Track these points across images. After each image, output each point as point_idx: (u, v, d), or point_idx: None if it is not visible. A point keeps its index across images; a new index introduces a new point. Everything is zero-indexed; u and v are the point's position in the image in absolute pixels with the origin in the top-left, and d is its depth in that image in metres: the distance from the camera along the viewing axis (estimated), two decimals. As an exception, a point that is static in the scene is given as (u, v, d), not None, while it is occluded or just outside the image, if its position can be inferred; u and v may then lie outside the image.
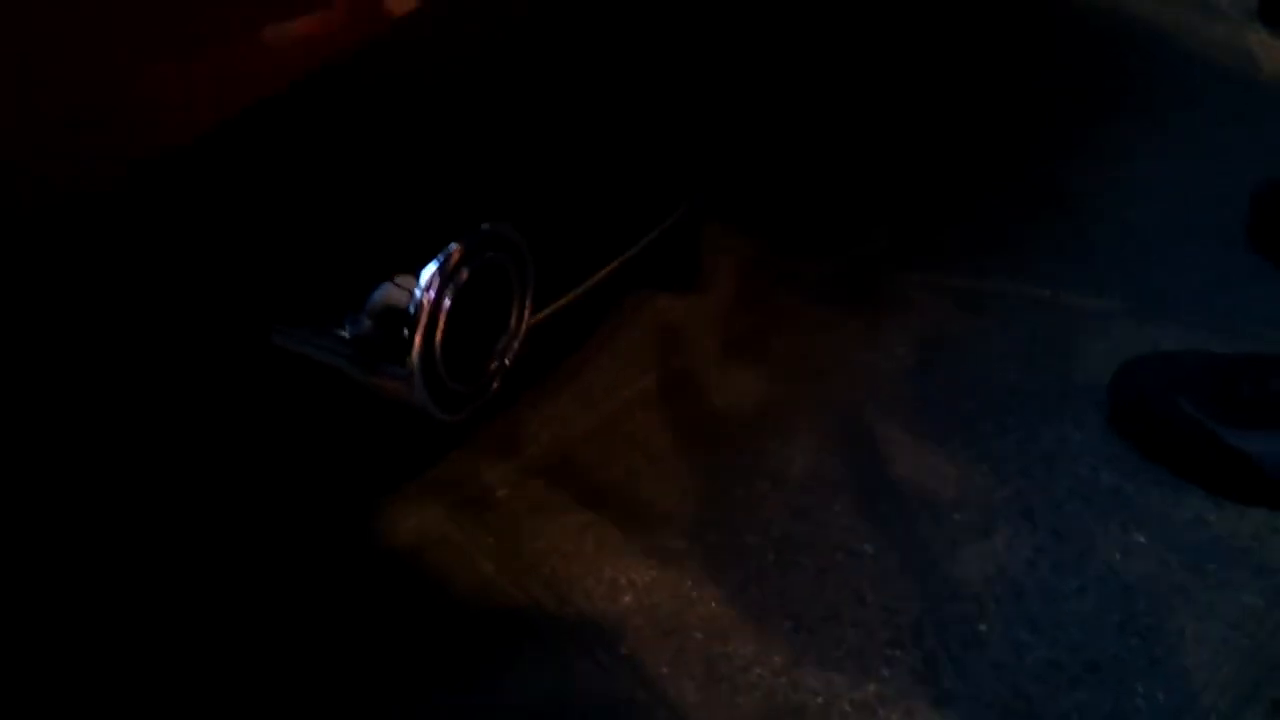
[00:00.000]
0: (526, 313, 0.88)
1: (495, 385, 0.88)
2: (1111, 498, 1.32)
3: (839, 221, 1.68)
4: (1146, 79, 1.96)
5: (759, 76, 1.19)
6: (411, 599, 1.22)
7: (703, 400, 1.42)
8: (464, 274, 0.83)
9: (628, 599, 1.22)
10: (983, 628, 1.19)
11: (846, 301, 1.56)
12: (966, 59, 1.98)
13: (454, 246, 0.82)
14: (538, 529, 1.29)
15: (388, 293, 0.82)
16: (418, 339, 0.81)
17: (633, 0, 0.96)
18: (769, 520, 1.29)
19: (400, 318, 0.82)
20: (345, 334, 0.84)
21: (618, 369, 1.45)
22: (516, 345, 0.88)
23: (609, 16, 0.94)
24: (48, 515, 0.82)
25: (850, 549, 1.26)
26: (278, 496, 1.13)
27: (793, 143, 1.55)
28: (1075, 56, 2.02)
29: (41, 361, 0.73)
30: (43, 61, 0.66)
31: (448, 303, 0.82)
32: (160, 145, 0.71)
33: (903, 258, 1.61)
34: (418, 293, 0.82)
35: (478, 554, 1.26)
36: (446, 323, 0.82)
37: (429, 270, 0.82)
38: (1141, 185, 1.73)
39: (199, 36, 0.70)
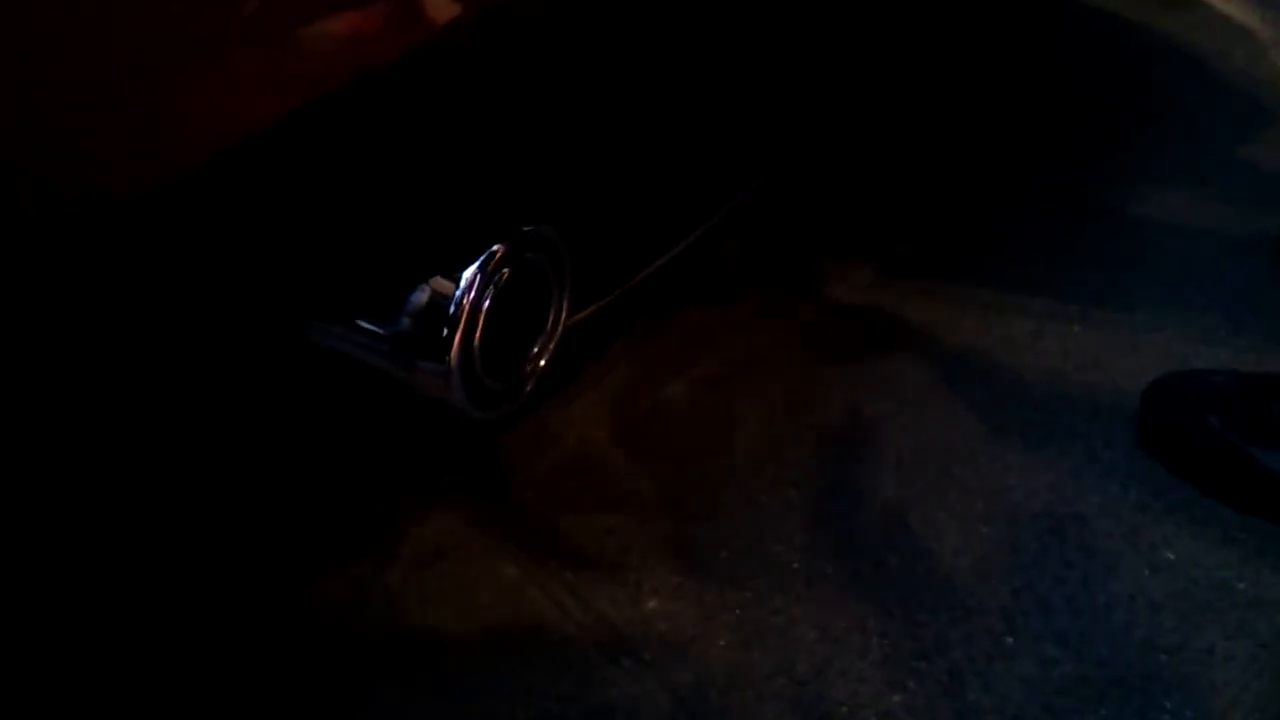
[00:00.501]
0: (564, 313, 0.88)
1: (531, 385, 0.88)
2: (1140, 514, 1.31)
3: (865, 233, 1.67)
4: (1176, 94, 1.95)
5: (789, 86, 1.19)
6: (434, 600, 1.22)
7: (729, 408, 1.42)
8: (504, 274, 0.83)
9: (652, 604, 1.22)
10: (1009, 641, 1.19)
11: (872, 313, 1.55)
12: (994, 73, 1.97)
13: (496, 247, 0.82)
14: (562, 533, 1.29)
15: (428, 291, 0.82)
16: (457, 337, 0.81)
17: (672, 9, 0.96)
18: (795, 529, 1.28)
19: (440, 316, 0.82)
20: (384, 331, 0.84)
21: (644, 375, 1.45)
22: (553, 346, 0.88)
23: (649, 25, 0.94)
24: (88, 507, 0.82)
25: (876, 559, 1.26)
26: (303, 490, 1.14)
27: (822, 152, 1.55)
28: (1104, 70, 2.02)
29: (84, 350, 0.73)
30: (98, 62, 0.66)
31: (487, 303, 0.82)
32: (208, 146, 0.72)
33: (930, 270, 1.61)
34: (458, 292, 0.82)
35: (501, 557, 1.26)
36: (486, 322, 0.82)
37: (470, 270, 0.82)
38: (1172, 201, 1.73)
39: (249, 38, 0.71)
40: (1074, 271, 1.60)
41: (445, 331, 0.81)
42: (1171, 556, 1.26)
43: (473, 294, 0.81)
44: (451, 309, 0.82)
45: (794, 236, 1.65)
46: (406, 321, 0.83)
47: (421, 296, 0.82)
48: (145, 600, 1.15)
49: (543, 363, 0.89)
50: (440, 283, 0.82)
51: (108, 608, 1.07)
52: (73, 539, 0.83)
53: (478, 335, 0.82)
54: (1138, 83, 1.99)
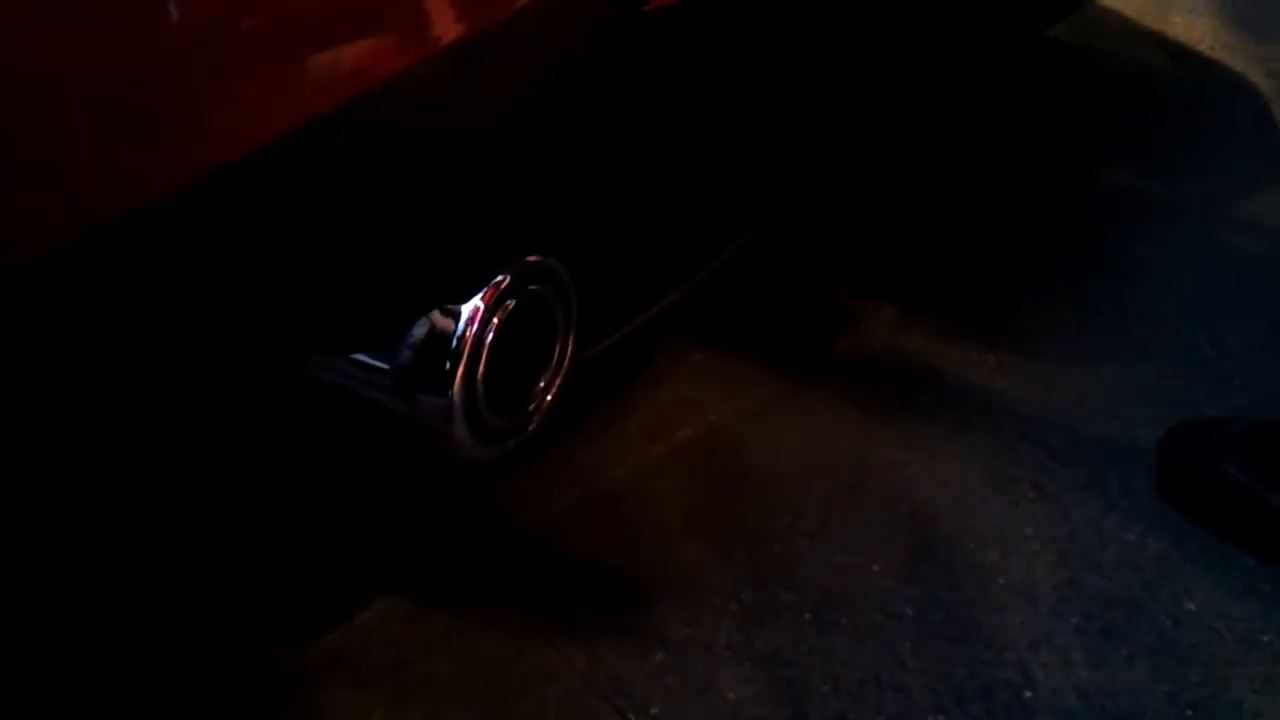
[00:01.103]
0: (570, 348, 0.86)
1: (536, 422, 0.86)
2: (1160, 565, 1.27)
3: (884, 276, 1.66)
4: (1189, 142, 1.94)
5: (808, 125, 1.18)
6: (435, 649, 1.19)
7: (739, 455, 1.39)
8: (508, 306, 0.81)
9: (659, 656, 1.19)
10: (1028, 695, 1.15)
11: (889, 357, 1.53)
12: (1010, 119, 1.97)
13: (499, 278, 0.81)
14: (567, 580, 1.26)
15: (430, 324, 0.81)
16: (459, 371, 0.79)
17: (687, 46, 0.96)
18: (806, 579, 1.25)
19: (442, 349, 0.80)
20: (385, 365, 0.82)
21: (653, 421, 1.43)
22: (559, 381, 0.86)
23: (666, 60, 0.94)
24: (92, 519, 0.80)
25: (890, 610, 1.23)
26: (302, 531, 1.11)
27: (838, 194, 1.54)
28: (1116, 118, 2.01)
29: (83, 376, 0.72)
30: (101, 76, 0.65)
31: (491, 336, 0.81)
32: (203, 166, 0.70)
33: (948, 314, 1.59)
34: (460, 325, 0.80)
35: (505, 604, 1.23)
36: (489, 356, 0.80)
37: (473, 302, 0.80)
38: (1187, 249, 1.71)
39: (249, 57, 0.70)
40: (1088, 318, 1.59)
41: (447, 365, 0.79)
42: (1193, 607, 1.23)
43: (475, 326, 0.80)
44: (454, 342, 0.80)
45: (811, 278, 1.63)
46: (407, 354, 0.81)
47: (423, 329, 0.80)
48: (141, 638, 1.12)
49: (549, 399, 0.87)
50: (442, 315, 0.80)
51: (97, 642, 1.04)
52: (71, 561, 0.81)
53: (481, 369, 0.80)
54: (1147, 130, 1.98)
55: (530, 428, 0.87)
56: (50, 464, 0.74)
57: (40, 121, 0.64)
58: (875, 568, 1.27)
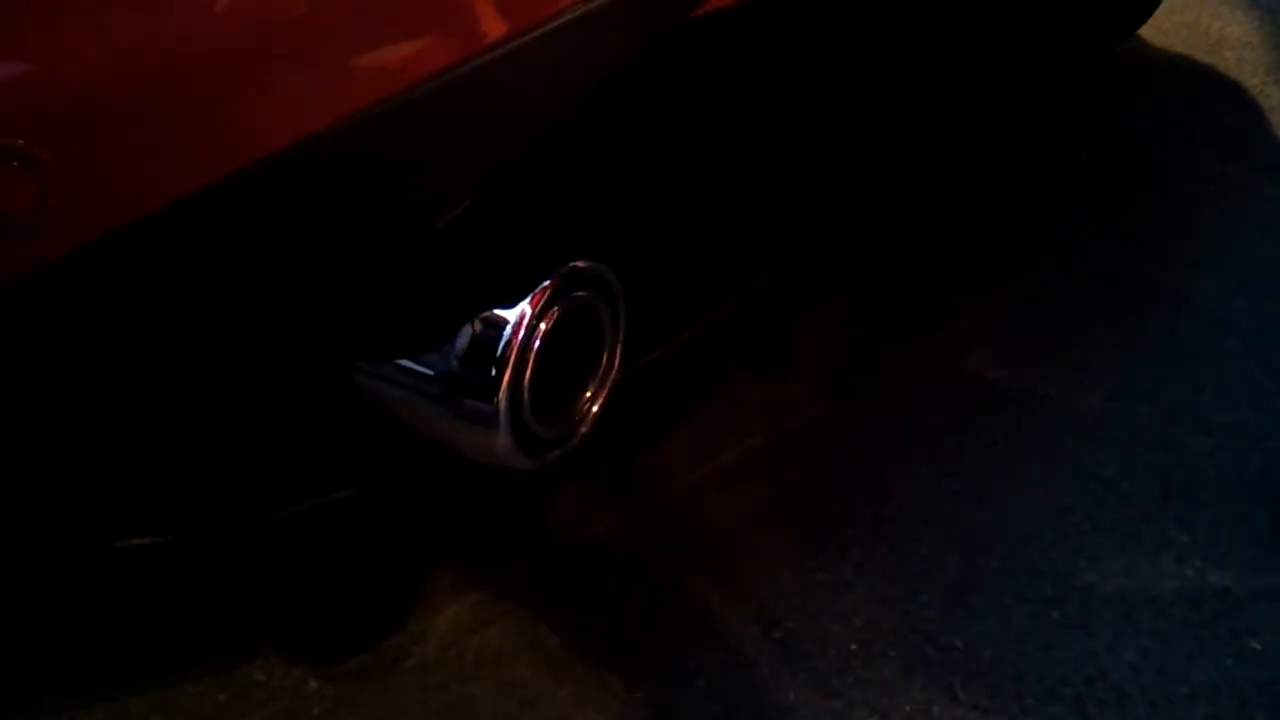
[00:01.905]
0: (618, 357, 0.83)
1: (582, 432, 0.84)
2: (1220, 601, 1.23)
3: (932, 302, 1.62)
4: (1251, 168, 1.91)
5: (864, 131, 1.16)
6: (470, 675, 1.16)
7: (781, 481, 1.36)
8: (555, 313, 0.79)
9: (700, 684, 1.15)
10: (1084, 733, 1.11)
11: (929, 385, 1.50)
12: (1048, 152, 1.94)
13: (546, 283, 0.79)
14: (606, 604, 1.23)
15: (475, 330, 0.78)
16: (505, 378, 0.77)
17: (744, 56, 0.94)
18: (853, 608, 1.21)
19: (487, 356, 0.78)
20: (429, 372, 0.80)
21: (694, 445, 1.40)
22: (606, 391, 0.83)
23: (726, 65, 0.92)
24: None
25: (939, 642, 1.18)
26: (339, 554, 1.09)
27: (888, 214, 1.51)
28: (1154, 153, 1.98)
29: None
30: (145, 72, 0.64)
31: (538, 343, 0.78)
32: (248, 162, 0.69)
33: (994, 345, 1.55)
34: (507, 331, 0.78)
35: (543, 628, 1.20)
36: (535, 363, 0.78)
37: (519, 308, 0.78)
38: (1244, 279, 1.67)
39: (291, 51, 0.68)
40: (1142, 349, 1.55)
41: (493, 372, 0.77)
42: (1258, 646, 1.18)
43: (522, 333, 0.77)
44: (499, 348, 0.77)
45: (854, 303, 1.60)
46: (452, 361, 0.78)
47: (468, 334, 0.78)
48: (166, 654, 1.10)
49: (594, 410, 0.85)
50: (488, 320, 0.78)
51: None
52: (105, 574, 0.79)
53: (527, 377, 0.78)
54: (1200, 162, 1.94)
55: (575, 439, 0.84)
56: (83, 459, 0.72)
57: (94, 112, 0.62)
58: (924, 598, 1.23)
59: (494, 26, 0.72)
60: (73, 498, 0.76)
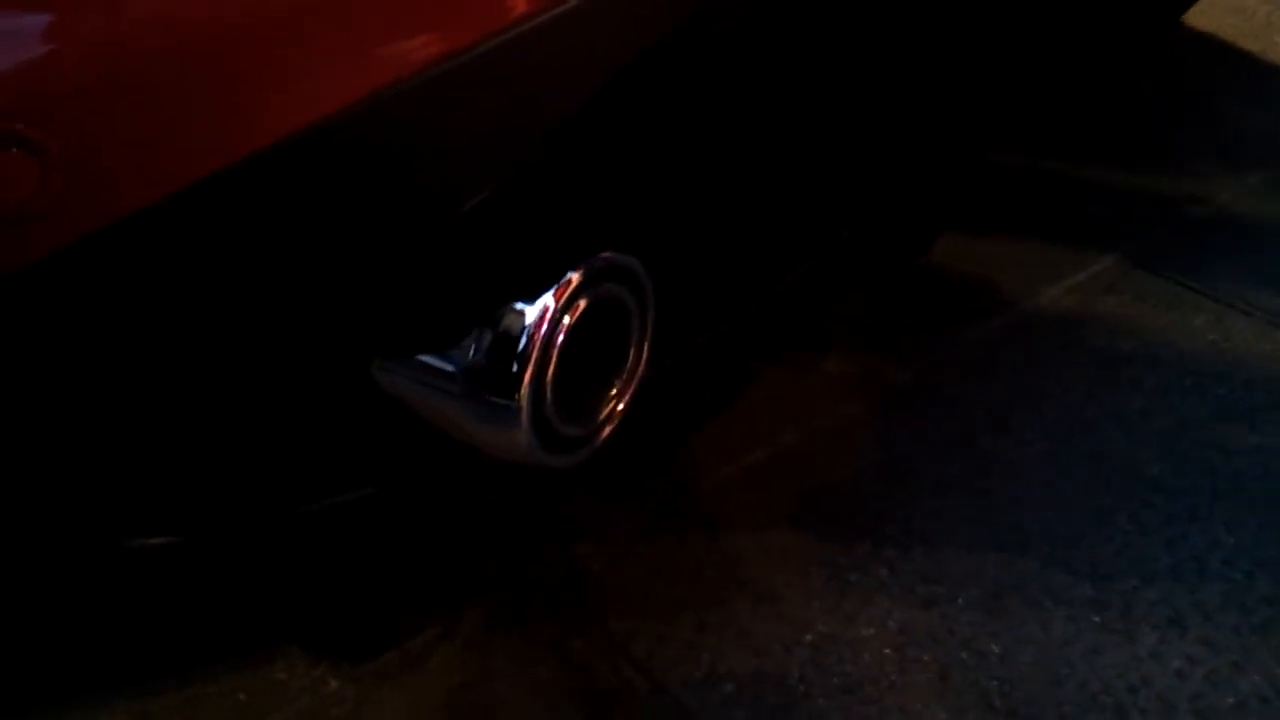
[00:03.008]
0: (645, 353, 0.80)
1: (607, 431, 0.81)
2: (1269, 607, 1.19)
3: (972, 296, 1.58)
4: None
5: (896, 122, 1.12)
6: (495, 674, 1.13)
7: (815, 478, 1.33)
8: (580, 306, 0.76)
9: (729, 688, 1.12)
10: (1128, 743, 1.07)
11: (969, 383, 1.46)
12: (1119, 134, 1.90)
13: (571, 275, 0.75)
14: (632, 607, 1.20)
15: (498, 322, 0.76)
16: (528, 374, 0.74)
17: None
18: (887, 611, 1.18)
19: (509, 351, 0.75)
20: (449, 367, 0.77)
21: (724, 442, 1.37)
22: (633, 388, 0.80)
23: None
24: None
25: (976, 647, 1.15)
26: (365, 550, 1.07)
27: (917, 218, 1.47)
28: (1232, 132, 1.93)
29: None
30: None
31: (561, 337, 0.75)
32: (263, 147, 0.66)
33: (1034, 340, 1.51)
34: (529, 324, 0.75)
35: (568, 629, 1.17)
36: (559, 359, 0.75)
37: (542, 301, 0.75)
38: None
39: (307, 33, 0.65)
40: (1185, 347, 1.50)
41: (514, 367, 0.74)
42: (1309, 655, 1.14)
43: (545, 327, 0.74)
44: (522, 343, 0.74)
45: (890, 296, 1.56)
46: (473, 355, 0.76)
47: (489, 328, 0.75)
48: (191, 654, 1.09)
49: (620, 408, 0.81)
50: (510, 314, 0.75)
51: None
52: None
53: (550, 372, 0.75)
54: (1234, 158, 1.89)
55: (600, 437, 0.81)
56: (91, 455, 0.70)
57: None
58: (960, 601, 1.19)
59: (515, 4, 0.69)
60: (80, 495, 0.74)
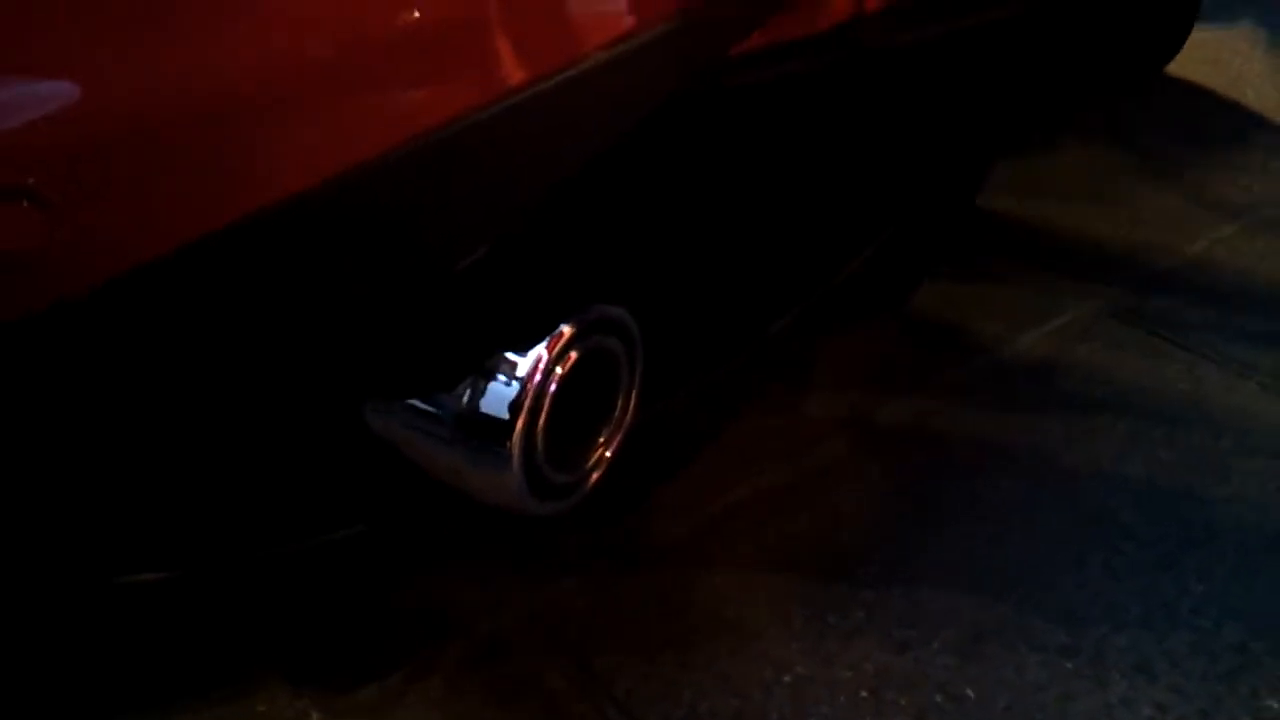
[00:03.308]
0: (634, 402, 0.82)
1: (595, 478, 0.82)
2: (1237, 655, 1.21)
3: (947, 343, 1.61)
4: (1266, 204, 1.89)
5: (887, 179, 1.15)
6: (473, 712, 1.14)
7: (795, 519, 1.35)
8: (571, 357, 0.78)
9: (708, 728, 1.13)
10: (1099, 789, 1.09)
11: (948, 426, 1.48)
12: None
13: (563, 327, 0.77)
14: (614, 644, 1.21)
15: (490, 372, 0.77)
16: (519, 423, 0.76)
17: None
18: (865, 653, 1.20)
19: (501, 399, 0.77)
20: (441, 414, 0.78)
21: (707, 480, 1.38)
22: (621, 436, 0.82)
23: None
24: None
25: (951, 691, 1.17)
26: (354, 578, 1.08)
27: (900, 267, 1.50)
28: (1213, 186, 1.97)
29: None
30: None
31: (553, 387, 0.77)
32: (266, 201, 0.68)
33: (1012, 383, 1.54)
34: (521, 374, 0.76)
35: (552, 664, 1.18)
36: (550, 408, 0.77)
37: (535, 352, 0.77)
38: (1259, 318, 1.65)
39: (313, 91, 0.67)
40: (1158, 396, 1.53)
41: (507, 415, 0.76)
42: (1275, 705, 1.16)
43: (537, 377, 0.76)
44: (514, 392, 0.76)
45: (870, 342, 1.59)
46: (466, 402, 0.77)
47: (483, 376, 0.77)
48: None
49: (608, 455, 0.83)
50: (503, 363, 0.77)
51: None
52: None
53: (541, 421, 0.77)
54: (1210, 203, 1.93)
55: (588, 484, 0.83)
56: (88, 494, 0.71)
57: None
58: (935, 645, 1.21)
59: (519, 70, 0.71)
60: (77, 533, 0.75)
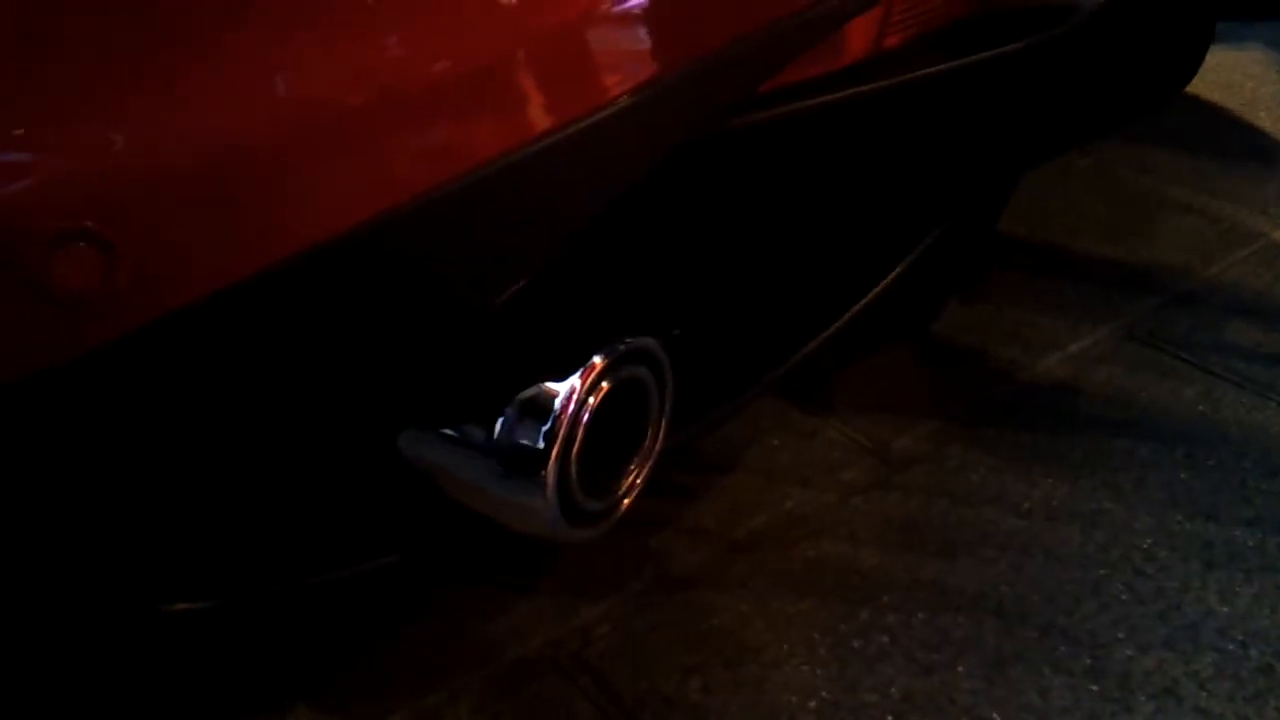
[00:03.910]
0: (663, 431, 0.84)
1: (626, 504, 0.84)
2: (1263, 677, 1.21)
3: (964, 373, 1.62)
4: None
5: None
6: (504, 738, 1.15)
7: (817, 545, 1.35)
8: (604, 388, 0.79)
9: (735, 754, 1.14)
10: (1127, 813, 1.09)
11: (968, 451, 1.49)
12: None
13: (595, 359, 0.79)
14: (639, 671, 1.22)
15: (525, 403, 0.79)
16: (554, 452, 0.77)
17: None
18: (889, 678, 1.20)
19: (536, 430, 0.78)
20: (476, 443, 0.80)
21: (728, 506, 1.39)
22: (650, 464, 0.83)
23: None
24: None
25: (978, 714, 1.17)
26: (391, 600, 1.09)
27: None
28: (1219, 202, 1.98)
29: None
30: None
31: (587, 417, 0.78)
32: (305, 240, 0.69)
33: (1028, 410, 1.55)
34: (557, 405, 0.78)
35: (578, 691, 1.19)
36: (584, 437, 0.78)
37: (569, 382, 0.78)
38: (1278, 338, 1.66)
39: (351, 133, 0.69)
40: (1178, 417, 1.54)
41: (542, 444, 0.77)
42: (1302, 725, 1.16)
43: (571, 407, 0.78)
44: (549, 422, 0.78)
45: (889, 368, 1.60)
46: (501, 432, 0.79)
47: (518, 407, 0.78)
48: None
49: (639, 483, 0.84)
50: (538, 394, 0.78)
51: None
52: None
53: (575, 450, 0.78)
54: (1227, 226, 1.94)
55: (620, 512, 0.84)
56: (136, 525, 0.73)
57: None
58: (960, 669, 1.22)
59: (547, 115, 0.73)
60: (124, 563, 0.76)
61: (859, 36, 0.95)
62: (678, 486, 1.42)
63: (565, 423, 0.77)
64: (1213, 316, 1.75)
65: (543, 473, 0.77)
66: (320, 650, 1.21)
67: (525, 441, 0.78)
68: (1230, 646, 1.24)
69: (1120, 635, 1.25)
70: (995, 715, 1.17)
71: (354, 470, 0.82)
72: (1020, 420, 1.54)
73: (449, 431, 0.81)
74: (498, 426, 0.78)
